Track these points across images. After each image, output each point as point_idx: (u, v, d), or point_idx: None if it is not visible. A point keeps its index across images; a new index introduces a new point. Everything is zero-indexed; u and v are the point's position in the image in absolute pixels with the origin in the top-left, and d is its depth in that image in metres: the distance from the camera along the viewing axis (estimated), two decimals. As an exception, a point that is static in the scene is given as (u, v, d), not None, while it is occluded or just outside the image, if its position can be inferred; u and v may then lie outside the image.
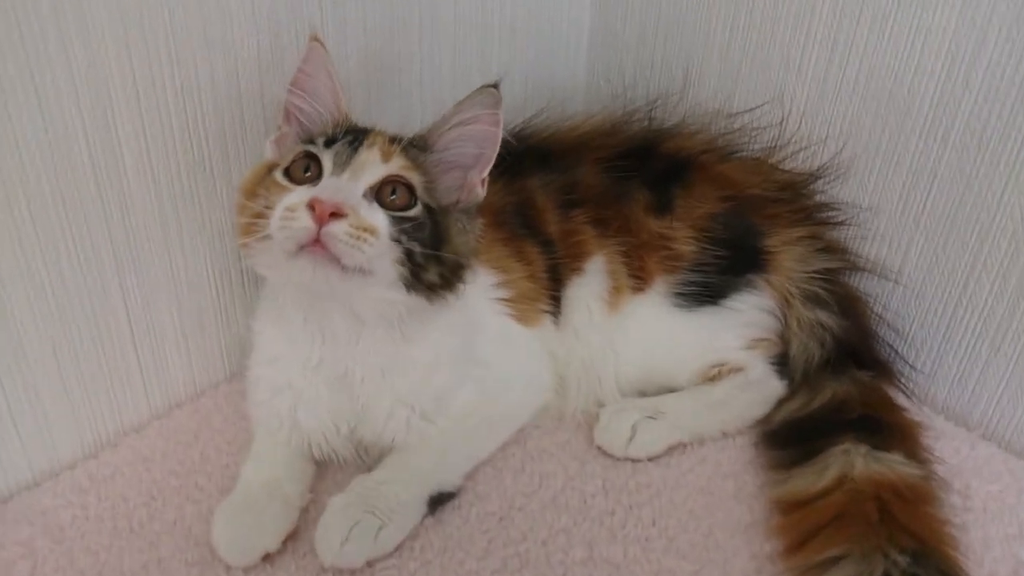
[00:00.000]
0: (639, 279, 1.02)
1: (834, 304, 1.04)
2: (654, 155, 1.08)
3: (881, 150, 1.03)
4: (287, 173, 0.82)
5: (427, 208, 0.82)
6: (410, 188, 0.81)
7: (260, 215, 0.78)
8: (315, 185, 0.79)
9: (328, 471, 0.95)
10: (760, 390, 1.03)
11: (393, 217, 0.79)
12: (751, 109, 1.13)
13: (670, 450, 0.99)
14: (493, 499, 0.92)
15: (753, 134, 1.12)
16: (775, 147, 1.11)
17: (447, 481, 0.92)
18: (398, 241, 0.79)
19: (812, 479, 0.89)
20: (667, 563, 0.85)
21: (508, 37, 1.20)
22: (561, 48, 1.28)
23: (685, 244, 1.03)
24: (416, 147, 0.85)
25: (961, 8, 0.92)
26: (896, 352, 1.07)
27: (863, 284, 1.10)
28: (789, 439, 0.97)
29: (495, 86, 0.82)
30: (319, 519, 0.85)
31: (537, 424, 1.02)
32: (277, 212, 0.76)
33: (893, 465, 0.88)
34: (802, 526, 0.86)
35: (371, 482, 0.88)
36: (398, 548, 0.86)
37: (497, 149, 0.84)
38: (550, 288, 1.02)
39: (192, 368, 1.03)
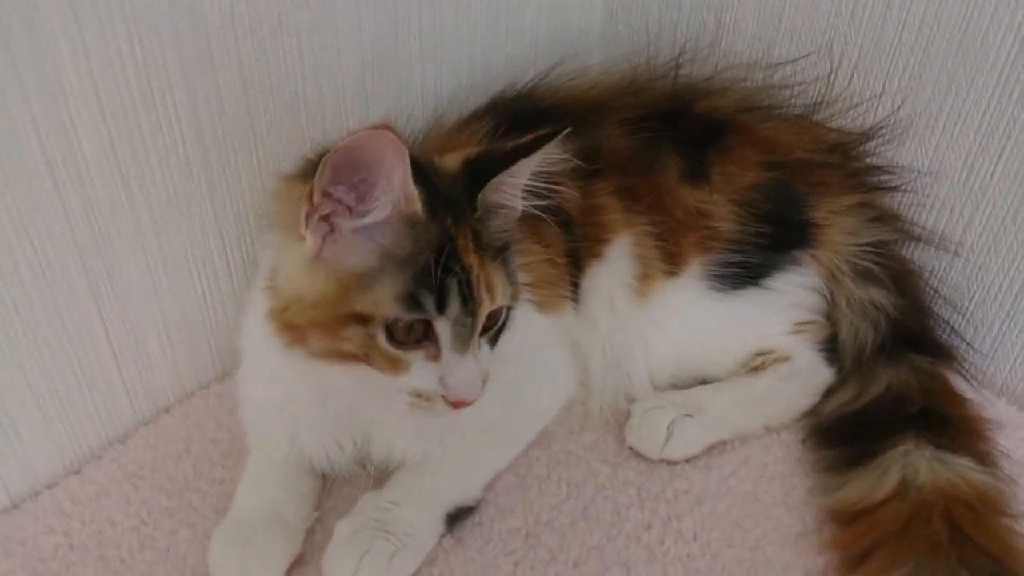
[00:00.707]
0: (672, 262, 0.91)
1: (888, 280, 0.94)
2: (686, 116, 0.96)
3: (946, 109, 0.91)
4: (391, 336, 0.68)
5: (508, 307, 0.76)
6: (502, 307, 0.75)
7: (353, 356, 0.70)
8: (431, 356, 0.70)
9: (335, 485, 0.87)
10: (807, 380, 0.93)
11: (490, 340, 0.75)
12: (794, 60, 1.00)
13: (709, 449, 0.90)
14: (517, 513, 0.84)
15: (796, 89, 1.00)
16: (821, 104, 0.99)
17: (466, 495, 0.83)
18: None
19: (870, 485, 0.81)
20: (715, 585, 0.78)
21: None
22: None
23: (725, 221, 0.91)
24: (482, 221, 0.73)
25: (1050, -55, 0.79)
26: (954, 330, 0.97)
27: (919, 256, 0.99)
28: (842, 437, 0.88)
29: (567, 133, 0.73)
30: (327, 544, 0.77)
31: (561, 422, 0.93)
32: (398, 391, 0.71)
33: (962, 471, 0.80)
34: (861, 541, 0.78)
35: (382, 502, 0.80)
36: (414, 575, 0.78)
37: None
38: (571, 273, 0.91)
39: (179, 369, 0.94)
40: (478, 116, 0.96)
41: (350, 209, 0.66)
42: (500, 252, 0.73)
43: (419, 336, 0.69)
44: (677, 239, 0.91)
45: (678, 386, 0.94)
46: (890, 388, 0.89)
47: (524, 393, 0.88)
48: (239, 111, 0.84)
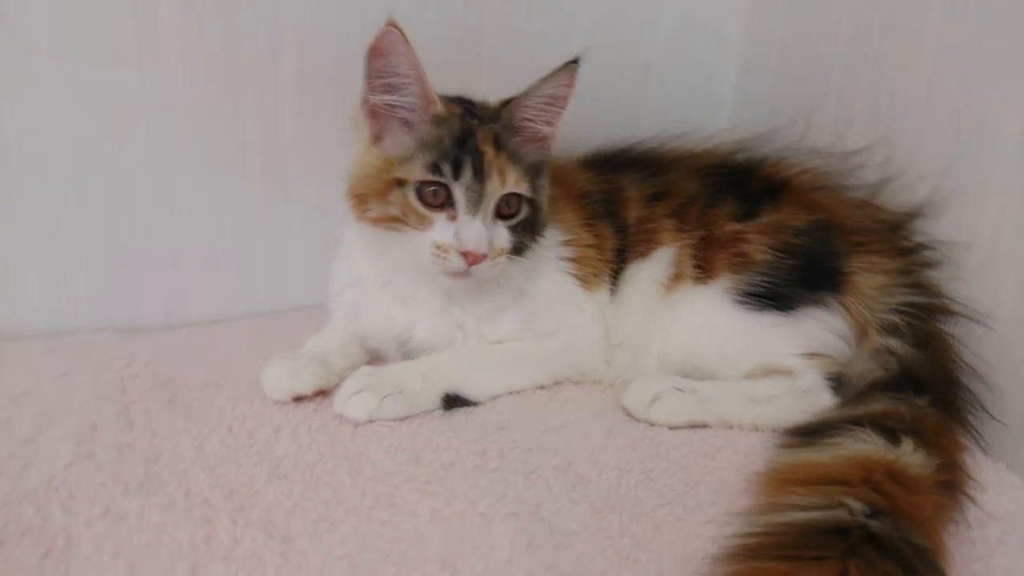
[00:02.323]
0: (702, 271, 1.06)
1: (910, 335, 1.00)
2: (753, 176, 1.13)
3: (974, 183, 1.01)
4: (420, 196, 0.94)
5: (529, 202, 0.98)
6: (520, 197, 0.97)
7: (396, 219, 0.95)
8: (451, 217, 0.94)
9: (377, 363, 1.07)
10: (806, 400, 0.99)
11: (510, 228, 0.97)
12: (860, 150, 1.15)
13: (693, 427, 0.98)
14: (503, 414, 0.99)
15: (859, 173, 1.14)
16: (879, 185, 1.11)
17: (466, 389, 1.00)
18: (515, 242, 0.97)
19: (819, 452, 0.85)
20: (637, 493, 0.86)
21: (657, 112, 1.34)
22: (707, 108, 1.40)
23: (759, 251, 1.05)
24: (506, 130, 0.98)
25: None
26: (981, 405, 0.98)
27: (958, 330, 1.03)
28: (816, 432, 0.92)
29: (575, 61, 0.97)
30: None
31: (574, 382, 1.07)
32: (427, 248, 0.93)
33: (901, 455, 0.82)
34: (784, 477, 0.82)
35: (398, 367, 1.01)
36: (401, 420, 0.95)
37: (567, 104, 0.98)
38: (614, 265, 1.09)
39: (309, 281, 1.22)
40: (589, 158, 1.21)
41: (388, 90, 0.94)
42: (533, 168, 0.98)
43: (442, 200, 0.93)
44: (711, 256, 1.06)
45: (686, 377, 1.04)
46: (882, 409, 0.92)
47: (549, 335, 1.06)
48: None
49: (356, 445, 0.91)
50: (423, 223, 0.94)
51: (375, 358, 1.08)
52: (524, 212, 0.98)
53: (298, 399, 0.98)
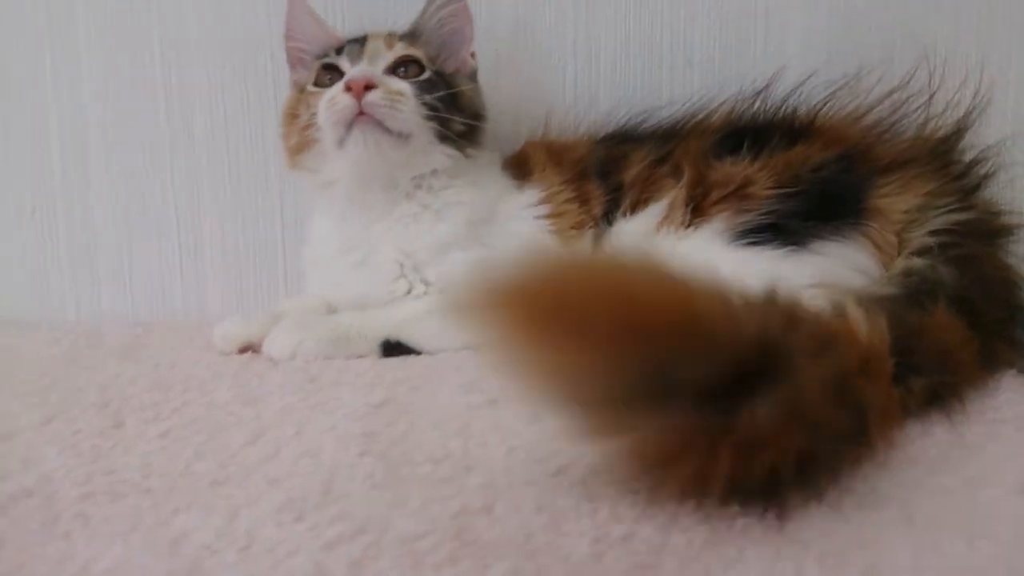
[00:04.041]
0: (692, 214, 0.91)
1: (944, 255, 0.78)
2: (772, 126, 0.98)
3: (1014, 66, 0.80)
4: (317, 84, 0.99)
5: (436, 73, 0.98)
6: (417, 62, 0.97)
7: (308, 126, 0.96)
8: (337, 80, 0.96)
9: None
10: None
11: (412, 83, 0.95)
12: (904, 84, 0.95)
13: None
14: (443, 357, 0.89)
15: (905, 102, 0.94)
16: (926, 105, 0.92)
17: (408, 338, 0.91)
18: (423, 101, 0.93)
19: None
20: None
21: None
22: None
23: (761, 189, 0.89)
24: (411, 37, 1.01)
25: None
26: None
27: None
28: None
29: None
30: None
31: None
32: (322, 107, 0.93)
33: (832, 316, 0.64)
34: None
35: (340, 314, 0.95)
36: (322, 359, 0.88)
37: (472, 23, 1.00)
38: (599, 222, 0.98)
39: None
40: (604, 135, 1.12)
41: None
42: (449, 53, 1.01)
43: (334, 80, 0.95)
44: (704, 198, 0.92)
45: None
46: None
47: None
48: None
49: (260, 369, 0.85)
50: (319, 97, 0.94)
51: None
52: (429, 75, 0.97)
53: (245, 350, 0.94)
